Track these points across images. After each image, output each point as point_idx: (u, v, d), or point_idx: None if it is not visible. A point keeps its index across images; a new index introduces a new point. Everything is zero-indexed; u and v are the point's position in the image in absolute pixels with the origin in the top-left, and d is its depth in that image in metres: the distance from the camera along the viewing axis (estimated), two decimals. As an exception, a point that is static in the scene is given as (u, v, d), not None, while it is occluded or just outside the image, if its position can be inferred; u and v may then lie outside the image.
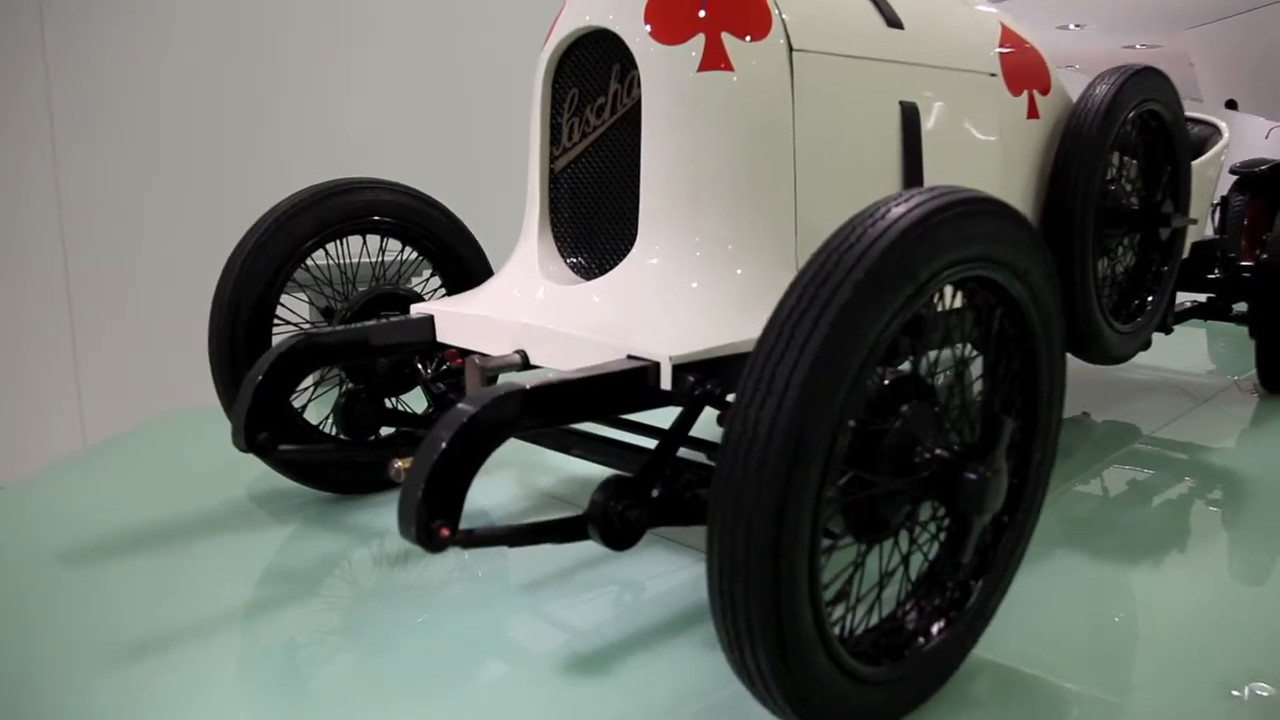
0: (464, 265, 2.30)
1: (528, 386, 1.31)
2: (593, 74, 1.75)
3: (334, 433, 2.01)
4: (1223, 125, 3.23)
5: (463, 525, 1.25)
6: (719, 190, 1.62)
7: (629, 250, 1.66)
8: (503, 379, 1.50)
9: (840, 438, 1.08)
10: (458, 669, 1.53)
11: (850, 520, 1.24)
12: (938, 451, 1.25)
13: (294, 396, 1.80)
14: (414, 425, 1.99)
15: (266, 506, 2.17)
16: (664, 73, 1.62)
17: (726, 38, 1.63)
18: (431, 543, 1.24)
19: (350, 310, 2.11)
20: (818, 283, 1.07)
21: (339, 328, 1.79)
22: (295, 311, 2.12)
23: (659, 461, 1.42)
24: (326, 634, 1.64)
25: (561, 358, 1.59)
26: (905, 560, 1.33)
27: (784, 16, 1.68)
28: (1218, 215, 3.31)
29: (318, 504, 2.17)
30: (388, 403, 2.07)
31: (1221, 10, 13.52)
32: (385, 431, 2.04)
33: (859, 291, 1.06)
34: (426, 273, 2.34)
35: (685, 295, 1.56)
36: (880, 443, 1.22)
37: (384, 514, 2.11)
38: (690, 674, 1.48)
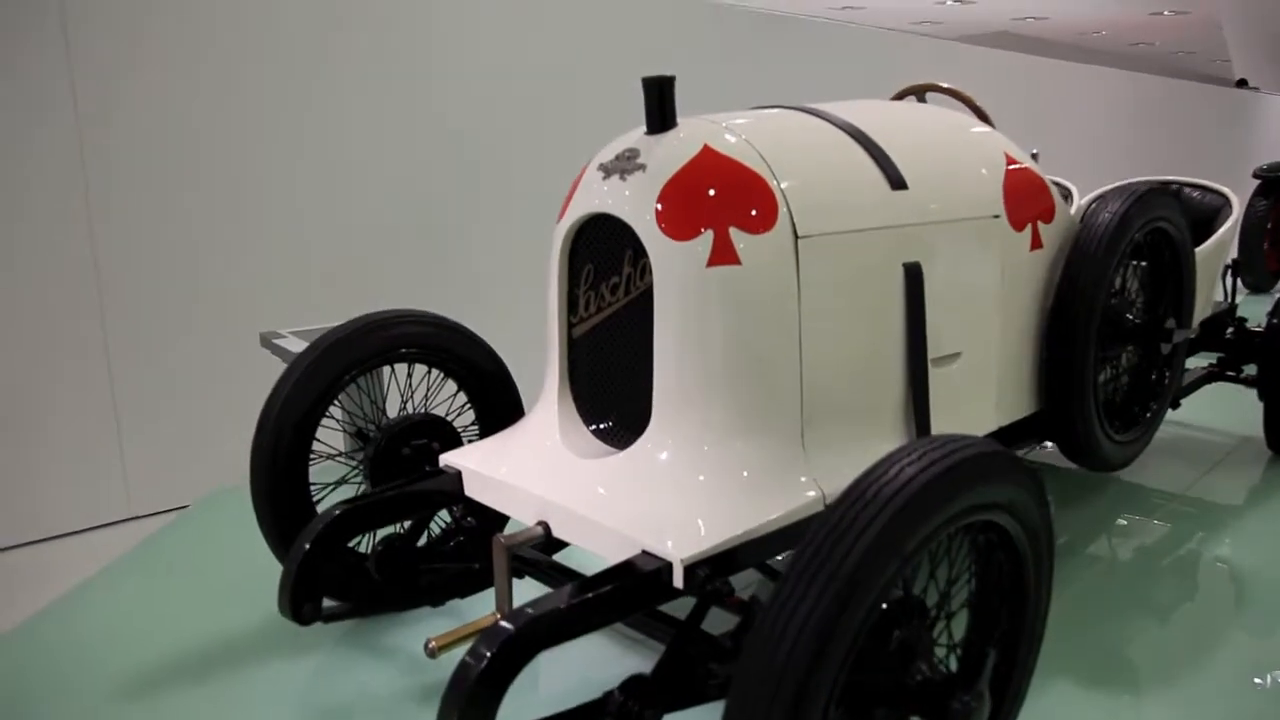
0: (491, 384, 2.40)
1: (562, 606, 1.44)
2: (606, 253, 1.84)
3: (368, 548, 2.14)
4: (1232, 197, 3.26)
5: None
6: (727, 380, 1.71)
7: (645, 424, 1.77)
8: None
9: (836, 691, 1.20)
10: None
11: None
12: (927, 673, 1.36)
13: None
14: (446, 561, 2.12)
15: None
16: (674, 267, 1.71)
17: (734, 232, 1.71)
18: (467, 762, 1.37)
19: (384, 438, 2.23)
20: (808, 578, 1.18)
21: (375, 493, 1.92)
22: (330, 444, 2.24)
23: (674, 659, 1.54)
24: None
25: (581, 537, 1.71)
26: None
27: (790, 205, 1.75)
28: (1229, 277, 3.35)
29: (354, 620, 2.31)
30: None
31: (1254, -24, 13.16)
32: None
33: (849, 583, 1.17)
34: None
35: (694, 489, 1.66)
36: (876, 669, 1.33)
37: (417, 632, 2.25)
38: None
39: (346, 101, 3.86)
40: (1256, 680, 2.08)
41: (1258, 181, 7.12)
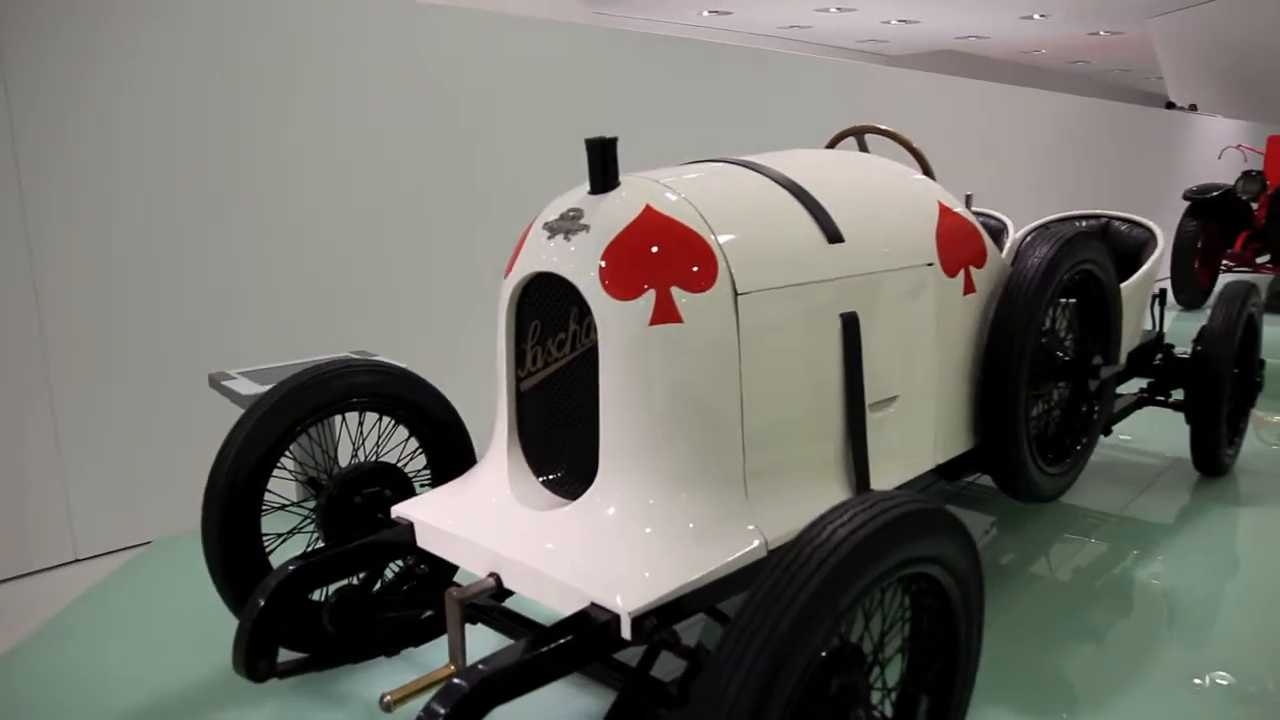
0: (443, 431, 2.43)
1: (514, 662, 1.48)
2: (552, 310, 1.88)
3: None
4: (1158, 230, 3.41)
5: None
6: (671, 434, 1.76)
7: (593, 475, 1.81)
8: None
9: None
10: None
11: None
12: (864, 718, 1.43)
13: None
14: (400, 609, 2.14)
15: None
16: (618, 325, 1.76)
17: (676, 291, 1.76)
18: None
19: (336, 486, 2.24)
20: (749, 634, 1.23)
21: (328, 548, 1.94)
22: (281, 495, 2.25)
23: (624, 708, 1.59)
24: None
25: (532, 589, 1.75)
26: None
27: (730, 263, 1.81)
28: (1158, 306, 3.49)
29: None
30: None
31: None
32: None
33: (787, 639, 1.23)
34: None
35: (641, 541, 1.71)
36: (817, 716, 1.39)
37: (371, 679, 2.27)
38: None
39: (297, 143, 3.86)
40: (1195, 681, 2.21)
41: (1188, 203, 7.40)
